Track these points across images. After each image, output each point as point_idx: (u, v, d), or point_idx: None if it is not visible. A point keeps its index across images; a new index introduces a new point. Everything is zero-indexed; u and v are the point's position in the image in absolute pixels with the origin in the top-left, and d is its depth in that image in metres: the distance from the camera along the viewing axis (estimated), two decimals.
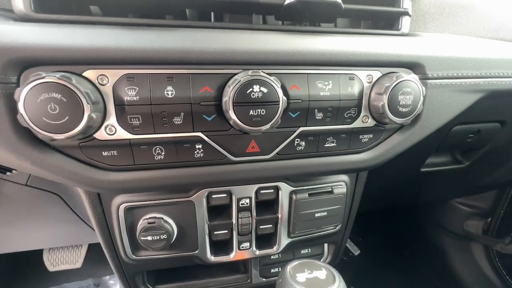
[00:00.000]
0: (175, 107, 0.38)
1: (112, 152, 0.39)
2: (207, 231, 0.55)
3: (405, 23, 0.51)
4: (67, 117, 0.33)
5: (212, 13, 0.47)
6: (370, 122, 0.48)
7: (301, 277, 0.42)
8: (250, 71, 0.38)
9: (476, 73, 0.51)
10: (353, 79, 0.45)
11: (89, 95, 0.34)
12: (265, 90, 0.38)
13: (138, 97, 0.37)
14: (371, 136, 0.50)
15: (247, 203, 0.55)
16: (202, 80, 0.39)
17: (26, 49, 0.33)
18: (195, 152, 0.42)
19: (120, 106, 0.37)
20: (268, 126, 0.39)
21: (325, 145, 0.48)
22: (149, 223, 0.50)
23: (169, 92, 0.38)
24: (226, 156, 0.43)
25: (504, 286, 1.27)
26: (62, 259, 1.18)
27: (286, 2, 0.43)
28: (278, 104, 0.38)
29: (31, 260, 1.20)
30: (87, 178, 0.40)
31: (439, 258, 1.46)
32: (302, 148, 0.47)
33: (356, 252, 1.55)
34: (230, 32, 0.41)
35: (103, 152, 0.39)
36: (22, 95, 0.32)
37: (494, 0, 0.67)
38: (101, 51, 0.35)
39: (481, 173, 1.09)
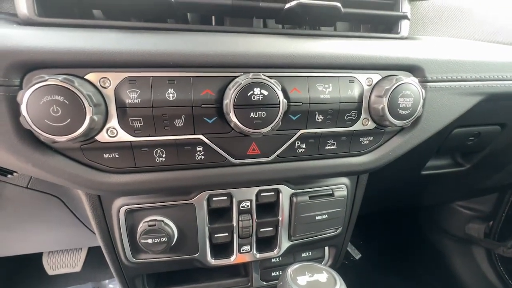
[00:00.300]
0: (176, 110, 0.38)
1: (113, 154, 0.40)
2: (207, 234, 0.55)
3: (404, 27, 0.51)
4: (69, 120, 0.33)
5: (213, 17, 0.48)
6: (370, 125, 0.48)
7: (302, 280, 0.42)
8: (251, 74, 0.38)
9: (475, 76, 0.51)
10: (353, 82, 0.45)
11: (91, 98, 0.34)
12: (265, 92, 0.38)
13: (139, 100, 0.37)
14: (371, 138, 0.50)
15: (247, 206, 0.55)
16: (203, 83, 0.39)
17: (29, 52, 0.34)
18: (196, 154, 0.42)
19: (122, 108, 0.37)
20: (268, 128, 0.39)
21: (326, 148, 0.48)
22: (149, 225, 0.50)
23: (171, 95, 0.38)
24: (226, 158, 0.44)
25: None
26: (62, 263, 1.17)
27: (286, 6, 0.43)
28: (279, 107, 0.39)
29: (30, 263, 1.19)
30: (88, 180, 0.40)
31: (440, 262, 1.45)
32: (303, 150, 0.47)
33: (357, 256, 1.54)
34: (231, 36, 0.42)
35: (104, 154, 0.39)
36: (25, 97, 0.32)
37: (492, 4, 0.67)
38: (103, 54, 0.35)
39: (482, 176, 1.08)
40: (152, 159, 0.41)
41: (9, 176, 0.57)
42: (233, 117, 0.38)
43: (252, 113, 0.38)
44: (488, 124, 0.79)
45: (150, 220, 0.50)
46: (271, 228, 0.58)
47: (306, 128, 0.45)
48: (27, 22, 0.37)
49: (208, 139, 0.42)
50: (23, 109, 0.32)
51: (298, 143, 0.46)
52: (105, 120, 0.37)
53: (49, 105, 0.32)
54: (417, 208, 1.51)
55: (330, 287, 0.41)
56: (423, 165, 0.90)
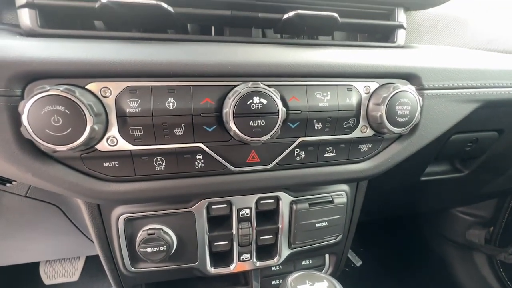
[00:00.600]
0: (176, 119, 0.39)
1: (113, 163, 0.40)
2: (207, 242, 0.55)
3: (400, 36, 0.52)
4: (69, 129, 0.34)
5: (212, 27, 0.49)
6: (369, 132, 0.48)
7: None
8: (250, 83, 0.39)
9: (471, 84, 0.52)
10: (351, 90, 0.46)
11: (92, 107, 0.34)
12: (264, 101, 0.38)
13: (140, 109, 0.38)
14: (370, 145, 0.50)
15: (247, 214, 0.55)
16: (203, 92, 0.39)
17: (31, 63, 0.34)
18: (196, 162, 0.42)
19: (122, 117, 0.38)
20: (268, 136, 0.39)
21: (325, 155, 0.48)
22: (148, 234, 0.49)
23: (171, 104, 0.38)
24: (226, 166, 0.44)
25: None
26: (59, 272, 1.15)
27: (284, 17, 0.44)
28: (278, 115, 0.39)
29: (27, 272, 1.18)
30: (88, 189, 0.40)
31: (441, 268, 1.44)
32: (302, 158, 0.47)
33: (358, 263, 1.53)
34: (230, 46, 0.42)
35: (104, 163, 0.40)
36: (26, 107, 0.32)
37: (486, 13, 0.69)
38: (104, 64, 0.36)
39: (481, 181, 1.09)
40: (152, 168, 0.41)
41: (8, 185, 0.56)
42: (232, 126, 0.38)
43: (251, 122, 0.38)
44: (485, 130, 0.79)
45: (149, 229, 0.50)
46: (271, 236, 0.58)
47: (305, 136, 0.45)
48: (29, 33, 0.38)
49: (208, 147, 0.42)
50: (24, 119, 0.32)
51: (297, 150, 0.46)
52: (106, 129, 0.38)
53: (50, 115, 0.33)
54: (417, 214, 1.51)
55: None
56: (422, 171, 0.90)
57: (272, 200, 0.55)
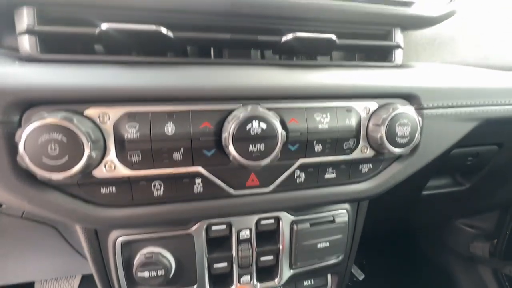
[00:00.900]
0: (175, 143, 0.38)
1: (110, 188, 0.39)
2: (206, 264, 0.53)
3: (398, 55, 0.53)
4: (66, 157, 0.33)
5: (212, 49, 0.49)
6: (369, 152, 0.48)
7: None
8: (249, 107, 0.38)
9: (470, 102, 0.52)
10: (351, 111, 0.46)
11: (89, 135, 0.34)
12: (264, 125, 0.38)
13: (138, 134, 0.37)
14: (371, 166, 0.50)
15: (247, 235, 0.53)
16: (202, 116, 0.39)
17: (30, 90, 0.34)
18: (195, 186, 0.42)
19: (120, 143, 0.37)
20: (267, 160, 0.39)
21: (325, 176, 0.47)
22: (146, 258, 0.48)
23: (169, 129, 0.38)
24: (225, 190, 0.43)
25: None
26: None
27: (283, 39, 0.45)
28: (277, 139, 0.39)
29: None
30: (84, 216, 0.39)
31: (446, 281, 1.41)
32: (302, 180, 0.46)
33: (361, 276, 1.49)
34: (229, 68, 0.42)
35: (101, 189, 0.39)
36: (23, 136, 0.32)
37: (481, 29, 0.70)
38: (102, 90, 0.36)
39: (483, 194, 1.08)
40: (150, 192, 0.41)
41: (3, 206, 0.56)
42: (232, 150, 0.38)
43: (251, 146, 0.38)
44: (485, 144, 0.79)
45: (147, 253, 0.48)
46: (272, 257, 0.57)
47: (305, 157, 0.45)
48: (29, 59, 0.38)
49: (207, 171, 0.41)
50: (21, 148, 0.32)
51: (297, 172, 0.46)
52: (103, 154, 0.37)
53: (47, 143, 0.32)
54: (420, 227, 1.49)
55: None
56: (424, 186, 0.90)
57: (273, 221, 0.55)
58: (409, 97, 0.49)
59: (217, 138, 0.40)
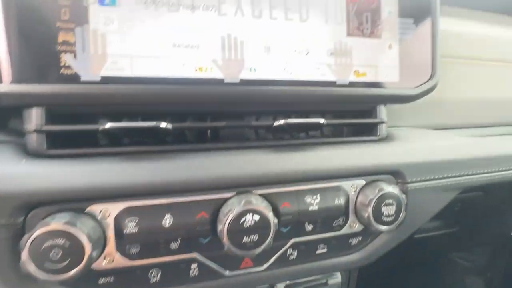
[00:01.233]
0: (173, 234, 0.41)
1: (108, 279, 0.40)
2: None
3: (382, 129, 0.56)
4: (68, 260, 0.35)
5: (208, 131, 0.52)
6: (358, 227, 0.50)
7: None
8: (243, 200, 0.41)
9: (455, 174, 0.56)
10: (340, 190, 0.49)
11: (90, 235, 0.36)
12: (257, 218, 0.40)
13: (138, 228, 0.39)
14: (360, 238, 0.52)
15: None
16: (199, 206, 0.42)
17: (37, 194, 0.36)
18: (190, 271, 0.43)
19: (120, 236, 0.39)
20: (261, 249, 0.41)
21: (317, 252, 0.49)
22: None
23: (168, 221, 0.40)
24: (220, 272, 0.45)
25: None
26: None
27: (274, 124, 0.48)
28: (270, 229, 0.41)
29: None
30: None
31: None
32: (295, 257, 0.48)
33: None
34: (224, 155, 0.45)
35: (99, 280, 0.40)
36: (27, 244, 0.33)
37: (464, 90, 0.75)
38: (104, 189, 0.38)
39: (474, 233, 1.11)
40: (146, 280, 0.42)
41: None
42: (226, 242, 0.40)
43: (245, 237, 0.40)
44: (471, 191, 0.83)
45: None
46: None
47: (297, 237, 0.47)
48: (35, 154, 0.40)
49: (203, 256, 0.43)
50: (24, 255, 0.33)
51: (289, 251, 0.48)
52: (103, 248, 0.39)
53: (50, 249, 0.34)
54: (413, 263, 1.49)
55: None
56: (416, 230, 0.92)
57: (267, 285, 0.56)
58: (394, 173, 0.52)
59: (212, 226, 0.42)
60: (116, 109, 0.44)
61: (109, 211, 0.39)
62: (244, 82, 0.45)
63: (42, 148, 0.40)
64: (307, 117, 0.55)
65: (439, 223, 1.02)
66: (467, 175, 0.57)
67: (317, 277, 0.60)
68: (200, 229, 0.41)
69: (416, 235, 0.96)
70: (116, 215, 0.39)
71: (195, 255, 0.43)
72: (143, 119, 0.47)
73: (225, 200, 0.42)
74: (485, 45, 0.76)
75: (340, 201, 0.48)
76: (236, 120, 0.48)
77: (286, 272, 0.49)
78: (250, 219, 0.40)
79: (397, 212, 0.48)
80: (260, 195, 0.44)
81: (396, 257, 1.18)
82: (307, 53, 0.49)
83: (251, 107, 0.50)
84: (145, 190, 0.39)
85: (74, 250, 0.35)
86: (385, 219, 0.48)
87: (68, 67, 0.39)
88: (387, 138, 0.57)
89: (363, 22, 0.53)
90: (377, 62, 0.53)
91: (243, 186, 0.43)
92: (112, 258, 0.39)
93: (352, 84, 0.51)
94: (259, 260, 0.46)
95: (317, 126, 0.49)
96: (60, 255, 0.34)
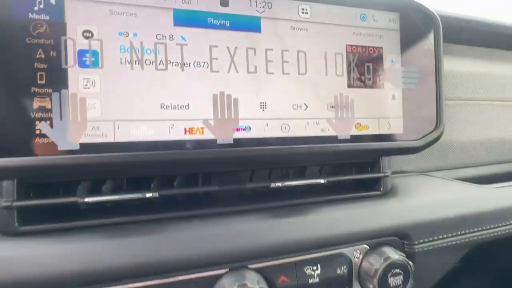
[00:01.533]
0: None
1: None
2: None
3: (386, 183, 0.53)
4: None
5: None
6: None
7: None
8: (236, 284, 0.37)
9: (463, 231, 0.52)
10: (342, 257, 0.45)
11: None
12: None
13: None
14: None
15: None
16: (191, 285, 0.37)
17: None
18: None
19: None
20: None
21: None
22: None
23: None
24: None
25: None
26: None
27: (271, 185, 0.44)
28: None
29: None
30: None
31: None
32: None
33: None
34: (216, 225, 0.41)
35: None
36: None
37: (471, 131, 0.72)
38: (81, 275, 0.34)
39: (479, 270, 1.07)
40: None
41: None
42: None
43: None
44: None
45: None
46: None
47: None
48: (5, 233, 0.36)
49: None
50: None
51: None
52: None
53: None
54: None
55: None
56: None
57: None
58: (399, 235, 0.48)
59: None
60: (98, 176, 0.40)
61: None
62: (238, 143, 0.42)
63: (13, 225, 0.36)
64: (305, 171, 0.52)
65: None
66: (477, 231, 0.53)
67: None
68: None
69: None
70: None
71: None
72: (128, 183, 0.44)
73: (217, 278, 0.38)
74: (486, 84, 0.75)
75: (342, 270, 0.44)
76: (229, 182, 0.44)
77: None
78: None
79: (405, 282, 0.44)
80: (255, 269, 0.40)
81: None
82: (306, 108, 0.46)
83: (245, 166, 0.46)
84: (128, 274, 0.35)
85: None
86: None
87: (44, 135, 0.36)
88: (391, 192, 0.54)
89: (365, 72, 0.50)
90: (380, 114, 0.50)
91: (237, 261, 0.39)
92: None
93: (353, 138, 0.48)
94: None
95: (316, 186, 0.46)
96: None
